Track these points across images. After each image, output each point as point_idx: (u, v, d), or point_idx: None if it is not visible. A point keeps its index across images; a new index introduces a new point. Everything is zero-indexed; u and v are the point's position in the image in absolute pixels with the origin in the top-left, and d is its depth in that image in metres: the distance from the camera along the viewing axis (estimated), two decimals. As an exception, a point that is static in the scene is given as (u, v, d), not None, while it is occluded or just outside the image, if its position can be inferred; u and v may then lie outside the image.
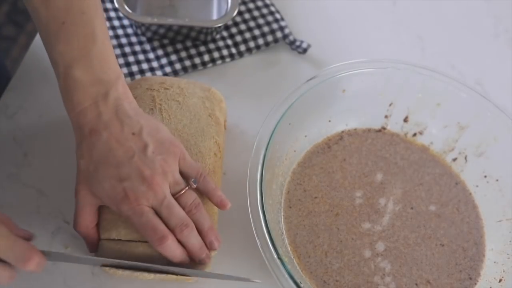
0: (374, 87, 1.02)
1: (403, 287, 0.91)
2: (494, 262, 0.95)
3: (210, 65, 1.13)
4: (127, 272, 0.85)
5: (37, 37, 1.12)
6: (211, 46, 1.14)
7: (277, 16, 1.19)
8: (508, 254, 0.94)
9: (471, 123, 1.01)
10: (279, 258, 0.81)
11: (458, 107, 1.01)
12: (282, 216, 0.95)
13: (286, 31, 1.17)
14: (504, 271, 0.92)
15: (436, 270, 0.94)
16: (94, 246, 0.89)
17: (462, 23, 1.28)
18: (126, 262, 0.84)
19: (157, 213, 0.83)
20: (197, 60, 1.12)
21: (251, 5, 1.20)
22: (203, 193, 0.89)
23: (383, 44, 1.22)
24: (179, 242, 0.84)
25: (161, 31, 1.10)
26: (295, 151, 1.00)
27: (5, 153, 0.99)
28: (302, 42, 1.16)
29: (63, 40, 0.84)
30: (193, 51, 1.13)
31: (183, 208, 0.84)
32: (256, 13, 1.19)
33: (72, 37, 0.84)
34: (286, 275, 0.80)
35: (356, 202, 0.98)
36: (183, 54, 1.12)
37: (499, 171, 0.99)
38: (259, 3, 1.20)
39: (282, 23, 1.18)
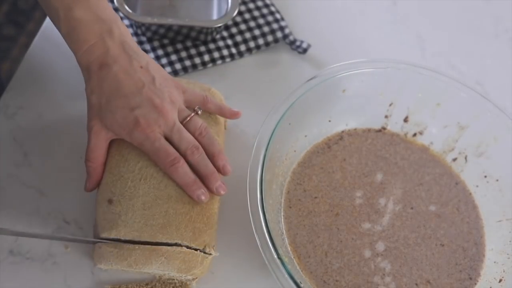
0: (374, 87, 1.02)
1: (403, 287, 0.91)
2: (494, 262, 0.95)
3: (210, 65, 1.13)
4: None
5: (37, 37, 1.12)
6: (211, 46, 1.14)
7: (277, 16, 1.19)
8: (508, 254, 0.94)
9: (471, 123, 1.01)
10: (279, 258, 0.81)
11: (458, 107, 1.01)
12: (282, 216, 0.95)
13: (286, 31, 1.17)
14: (504, 271, 0.93)
15: (436, 270, 0.94)
16: (96, 184, 0.91)
17: (462, 23, 1.28)
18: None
19: (168, 140, 0.88)
20: (197, 60, 1.12)
21: (251, 5, 1.20)
22: (213, 112, 0.97)
23: (383, 44, 1.22)
24: (191, 167, 0.88)
25: (161, 31, 1.10)
26: (295, 151, 1.00)
27: (5, 153, 0.99)
28: (302, 42, 1.16)
29: None
30: (193, 51, 1.13)
31: (192, 134, 0.90)
32: (256, 13, 1.19)
33: None
34: (286, 275, 0.80)
35: (356, 202, 0.98)
36: (183, 54, 1.12)
37: (499, 171, 0.99)
38: (259, 3, 1.20)
39: (282, 23, 1.18)
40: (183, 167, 0.87)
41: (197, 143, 0.89)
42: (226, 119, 1.02)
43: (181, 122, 0.90)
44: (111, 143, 0.91)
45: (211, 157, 0.90)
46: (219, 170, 0.90)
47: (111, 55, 0.88)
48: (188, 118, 0.91)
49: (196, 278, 0.89)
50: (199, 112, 0.93)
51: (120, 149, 0.90)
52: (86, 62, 0.89)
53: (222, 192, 0.89)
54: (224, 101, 1.02)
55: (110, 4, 0.93)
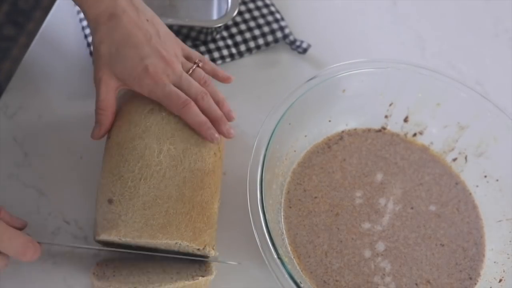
0: (374, 87, 1.02)
1: (403, 287, 0.91)
2: (494, 262, 0.95)
3: (210, 65, 1.13)
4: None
5: (37, 37, 1.12)
6: (211, 46, 1.14)
7: (277, 16, 1.19)
8: (508, 254, 0.94)
9: (471, 123, 1.01)
10: (279, 258, 0.81)
11: (458, 107, 1.01)
12: (282, 216, 0.95)
13: (286, 31, 1.17)
14: (504, 271, 0.93)
15: (436, 270, 0.94)
16: (105, 132, 0.93)
17: (462, 23, 1.28)
18: (126, 251, 0.87)
19: (177, 88, 0.91)
20: (197, 60, 1.12)
21: (251, 5, 1.20)
22: (208, 73, 0.98)
23: (383, 44, 1.21)
24: (201, 110, 0.91)
25: (161, 31, 1.10)
26: (295, 151, 1.00)
27: (5, 153, 0.99)
28: (302, 42, 1.16)
29: None
30: (193, 51, 1.13)
31: (197, 82, 0.93)
32: (256, 13, 1.19)
33: None
34: (286, 275, 0.80)
35: (356, 202, 0.98)
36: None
37: (499, 171, 0.99)
38: (259, 3, 1.20)
39: (282, 23, 1.18)
40: (195, 108, 0.90)
41: (205, 89, 0.93)
42: None
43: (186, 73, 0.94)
44: (112, 143, 0.91)
45: (216, 103, 0.94)
46: (225, 115, 0.94)
47: (120, 6, 0.90)
48: (191, 70, 0.95)
49: None
50: (200, 64, 0.97)
51: (120, 150, 0.90)
52: (94, 13, 0.90)
53: (232, 135, 0.94)
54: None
55: None
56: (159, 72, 0.90)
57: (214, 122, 0.92)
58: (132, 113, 0.93)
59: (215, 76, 1.00)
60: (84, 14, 0.93)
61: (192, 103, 0.90)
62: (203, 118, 0.90)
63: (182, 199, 0.87)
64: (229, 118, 0.96)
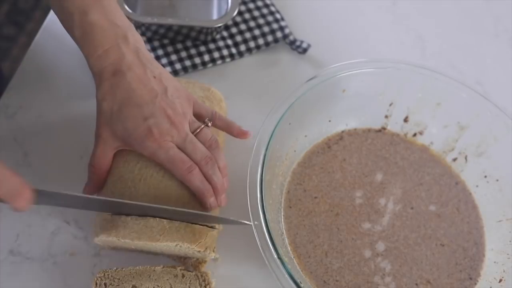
0: (374, 87, 1.02)
1: (403, 287, 0.91)
2: (494, 262, 0.95)
3: (210, 65, 1.13)
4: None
5: (37, 37, 1.12)
6: (211, 46, 1.14)
7: (277, 16, 1.19)
8: (508, 254, 0.94)
9: (471, 123, 1.01)
10: (279, 258, 0.81)
11: (458, 107, 1.01)
12: (282, 216, 0.95)
13: (286, 31, 1.17)
14: (504, 271, 0.93)
15: (436, 270, 0.94)
16: (95, 190, 0.91)
17: (462, 23, 1.28)
18: (131, 202, 0.86)
19: (181, 150, 0.87)
20: (197, 60, 1.12)
21: (251, 5, 1.20)
22: (221, 129, 0.95)
23: (383, 44, 1.21)
24: (204, 176, 0.88)
25: (161, 31, 1.10)
26: (295, 151, 1.00)
27: (5, 153, 0.99)
28: (302, 42, 1.16)
29: None
30: (193, 51, 1.13)
31: (203, 143, 0.89)
32: (256, 13, 1.19)
33: None
34: (286, 275, 0.80)
35: (356, 202, 0.98)
36: (183, 54, 1.12)
37: (499, 171, 0.99)
38: (259, 3, 1.20)
39: (282, 23, 1.18)
40: (199, 175, 0.87)
41: (210, 154, 0.89)
42: (225, 115, 1.02)
43: (192, 133, 0.89)
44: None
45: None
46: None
47: (126, 62, 0.87)
48: (199, 130, 0.90)
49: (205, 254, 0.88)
50: (209, 124, 0.92)
51: (120, 150, 0.90)
52: (99, 67, 0.88)
53: (224, 204, 0.90)
54: (224, 101, 1.02)
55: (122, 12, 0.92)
56: (163, 133, 0.86)
57: (214, 189, 0.88)
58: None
59: (229, 132, 0.96)
60: (89, 67, 0.90)
61: (197, 169, 0.87)
62: (206, 186, 0.87)
63: (181, 200, 0.87)
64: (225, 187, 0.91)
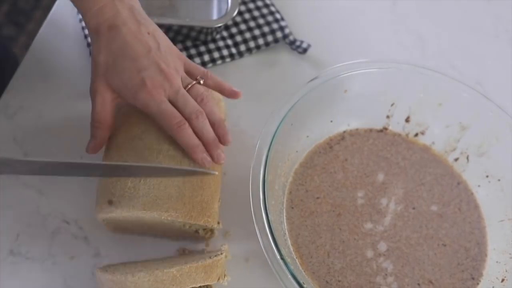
0: (376, 87, 1.02)
1: (405, 287, 0.91)
2: (497, 262, 0.94)
3: (210, 65, 1.13)
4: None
5: (37, 37, 1.12)
6: (211, 46, 1.14)
7: (277, 16, 1.19)
8: (510, 253, 0.94)
9: (472, 123, 1.01)
10: (282, 258, 0.81)
11: (460, 107, 1.01)
12: (284, 217, 0.95)
13: (286, 31, 1.17)
14: (506, 271, 0.92)
15: (438, 270, 0.93)
16: (100, 148, 0.92)
17: (462, 23, 1.28)
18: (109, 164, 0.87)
19: (172, 104, 0.89)
20: (197, 60, 1.12)
21: (251, 5, 1.20)
22: (213, 89, 0.97)
23: (383, 44, 1.21)
24: (194, 131, 0.89)
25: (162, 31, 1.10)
26: (297, 151, 1.00)
27: (5, 153, 0.98)
28: (302, 42, 1.16)
29: None
30: (193, 51, 1.13)
31: (194, 99, 0.91)
32: (256, 13, 1.19)
33: None
34: (289, 276, 0.80)
35: (358, 202, 0.98)
36: (183, 54, 1.12)
37: (501, 170, 0.99)
38: (259, 3, 1.20)
39: (282, 23, 1.18)
40: (188, 129, 0.88)
41: (200, 108, 0.90)
42: (224, 118, 1.01)
43: (184, 89, 0.92)
44: (111, 144, 0.91)
45: (211, 124, 0.91)
46: (219, 138, 0.91)
47: (121, 17, 0.90)
48: (190, 86, 0.92)
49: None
50: (201, 81, 0.94)
51: (120, 150, 0.89)
52: (95, 23, 0.90)
53: (222, 161, 0.90)
54: (222, 100, 1.02)
55: None
56: (156, 85, 0.88)
57: (206, 145, 0.90)
58: (131, 114, 0.92)
59: (221, 91, 0.98)
60: (85, 23, 0.93)
61: (186, 125, 0.88)
62: (195, 141, 0.88)
63: (182, 199, 0.86)
64: (223, 142, 0.92)
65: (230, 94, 0.97)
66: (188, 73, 0.95)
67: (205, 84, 0.95)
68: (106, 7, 0.90)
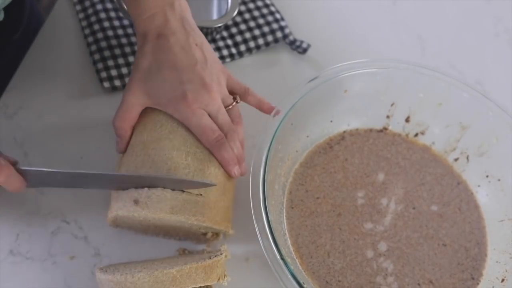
0: (376, 87, 1.02)
1: (406, 287, 0.91)
2: (497, 262, 0.94)
3: (210, 65, 1.13)
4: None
5: (37, 36, 1.12)
6: (211, 46, 1.14)
7: (277, 16, 1.19)
8: (510, 253, 0.94)
9: (473, 123, 1.01)
10: (283, 259, 0.81)
11: (460, 107, 1.01)
12: (284, 217, 0.95)
13: (286, 31, 1.17)
14: (506, 271, 0.92)
15: (439, 270, 0.93)
16: (125, 146, 0.92)
17: (462, 23, 1.28)
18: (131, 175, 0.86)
19: (212, 119, 0.90)
20: (197, 60, 1.12)
21: (251, 5, 1.20)
22: (253, 105, 0.97)
23: (383, 44, 1.21)
24: None
25: (161, 30, 1.10)
26: (297, 151, 1.00)
27: (5, 153, 0.98)
28: (302, 42, 1.16)
29: None
30: (193, 51, 1.13)
31: (231, 119, 0.93)
32: (256, 13, 1.19)
33: None
34: (289, 276, 0.80)
35: (358, 202, 0.98)
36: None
37: (501, 170, 0.99)
38: (259, 3, 1.20)
39: (282, 23, 1.18)
40: (227, 145, 0.89)
41: (235, 128, 0.92)
42: None
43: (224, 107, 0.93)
44: (136, 141, 0.91)
45: None
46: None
47: (171, 27, 0.90)
48: (230, 106, 0.93)
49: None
50: (239, 101, 0.95)
51: (146, 149, 0.88)
52: (144, 29, 0.91)
53: (246, 173, 0.91)
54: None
55: None
56: (198, 100, 0.88)
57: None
58: (157, 112, 0.92)
59: (260, 108, 0.97)
60: (134, 28, 0.94)
61: (224, 140, 0.89)
62: (232, 155, 0.89)
63: (208, 204, 0.86)
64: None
65: (268, 111, 0.96)
66: (230, 89, 0.96)
67: (245, 100, 0.97)
68: (157, 14, 0.90)
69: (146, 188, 0.85)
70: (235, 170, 0.90)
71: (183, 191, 0.86)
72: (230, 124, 0.91)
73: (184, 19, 0.92)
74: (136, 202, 0.84)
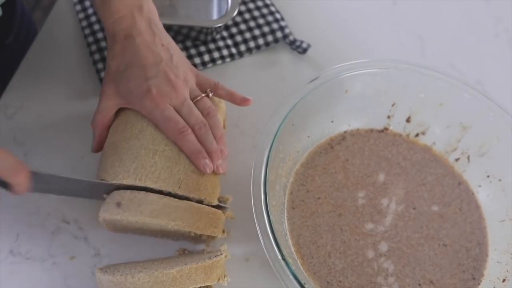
0: (376, 87, 1.02)
1: (406, 288, 0.92)
2: (498, 262, 0.94)
3: (210, 65, 1.13)
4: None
5: (38, 37, 1.12)
6: (211, 46, 1.14)
7: (277, 16, 1.19)
8: (511, 254, 0.94)
9: (473, 123, 1.01)
10: (284, 259, 0.81)
11: (461, 107, 1.01)
12: (285, 217, 0.95)
13: (286, 31, 1.17)
14: (507, 271, 0.92)
15: (439, 270, 0.93)
16: (99, 146, 0.94)
17: (462, 23, 1.28)
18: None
19: (177, 113, 0.91)
20: (197, 60, 1.12)
21: (251, 5, 1.20)
22: (224, 98, 0.99)
23: (383, 44, 1.21)
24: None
25: (162, 30, 1.10)
26: (298, 151, 1.00)
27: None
28: (302, 42, 1.15)
29: None
30: (193, 51, 1.13)
31: (201, 112, 0.93)
32: (256, 13, 1.19)
33: None
34: (291, 276, 0.80)
35: (358, 203, 0.98)
36: (183, 54, 1.12)
37: (502, 171, 0.99)
38: (259, 3, 1.20)
39: (282, 23, 1.17)
40: (192, 136, 0.89)
41: (205, 120, 0.92)
42: (225, 118, 1.02)
43: (192, 101, 0.93)
44: (108, 142, 0.91)
45: (213, 136, 0.93)
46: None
47: (138, 28, 0.93)
48: (199, 98, 0.94)
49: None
50: (210, 94, 0.97)
51: (116, 149, 0.89)
52: (113, 31, 0.93)
53: (221, 171, 0.91)
54: (223, 101, 1.02)
55: None
56: (162, 94, 0.90)
57: (208, 154, 0.90)
58: (129, 113, 0.92)
59: (232, 100, 0.99)
60: (104, 30, 0.97)
61: (189, 131, 0.90)
62: (198, 146, 0.90)
63: (190, 209, 0.86)
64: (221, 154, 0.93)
65: (242, 102, 0.99)
66: (200, 85, 0.97)
67: (216, 94, 0.98)
68: (125, 17, 0.93)
69: (129, 191, 0.86)
70: (204, 164, 0.89)
71: (171, 193, 0.87)
72: (199, 116, 0.92)
73: (151, 21, 0.95)
74: (118, 204, 0.85)
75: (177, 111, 0.91)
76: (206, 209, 0.87)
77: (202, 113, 0.93)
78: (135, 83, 0.91)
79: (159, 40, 0.94)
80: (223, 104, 1.01)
